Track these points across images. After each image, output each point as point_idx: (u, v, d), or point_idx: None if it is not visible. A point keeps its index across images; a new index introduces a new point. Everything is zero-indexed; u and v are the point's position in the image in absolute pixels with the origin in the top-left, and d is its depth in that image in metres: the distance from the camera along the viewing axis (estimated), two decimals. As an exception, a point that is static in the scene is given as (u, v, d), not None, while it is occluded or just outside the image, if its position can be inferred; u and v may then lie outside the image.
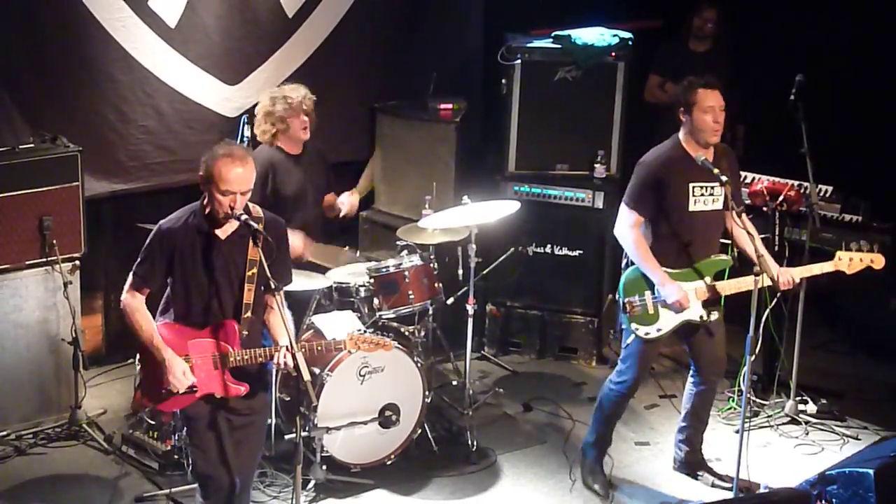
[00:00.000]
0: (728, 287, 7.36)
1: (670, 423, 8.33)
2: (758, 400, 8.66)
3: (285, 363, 6.25)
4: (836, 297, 9.85)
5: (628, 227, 7.34)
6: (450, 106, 9.62)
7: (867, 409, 8.73)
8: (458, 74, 10.07)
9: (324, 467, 7.51)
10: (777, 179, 8.55)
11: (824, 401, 8.66)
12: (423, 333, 8.23)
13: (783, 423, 8.52)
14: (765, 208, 8.42)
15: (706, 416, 7.80)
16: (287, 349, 6.24)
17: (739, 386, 8.43)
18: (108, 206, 8.81)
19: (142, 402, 6.53)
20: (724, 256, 7.43)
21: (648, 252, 7.29)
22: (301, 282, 7.78)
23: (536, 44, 9.37)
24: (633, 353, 7.48)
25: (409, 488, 7.69)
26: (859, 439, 8.35)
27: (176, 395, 6.29)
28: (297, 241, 7.83)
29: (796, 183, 8.48)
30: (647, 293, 7.36)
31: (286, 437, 7.50)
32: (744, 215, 7.21)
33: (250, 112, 8.35)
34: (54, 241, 7.94)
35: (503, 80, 9.39)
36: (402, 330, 8.18)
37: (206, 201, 6.24)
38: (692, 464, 7.85)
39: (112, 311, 8.79)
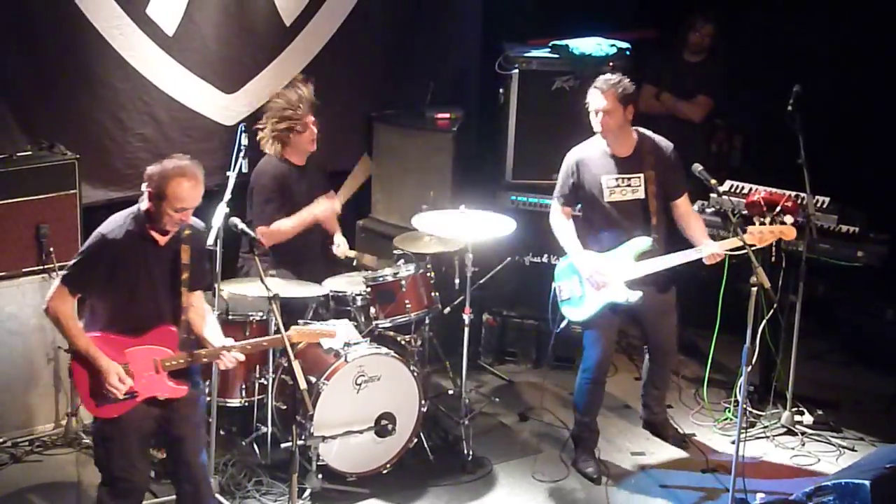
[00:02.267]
0: (655, 265, 7.66)
1: (666, 433, 8.41)
2: (754, 410, 8.65)
3: (233, 360, 6.52)
4: (832, 308, 9.85)
5: (555, 215, 7.92)
6: (447, 115, 9.63)
7: (863, 420, 8.73)
8: (456, 84, 10.08)
9: (320, 476, 7.47)
10: (774, 190, 8.54)
11: (820, 412, 8.66)
12: (419, 342, 8.25)
13: (779, 434, 8.51)
14: (762, 219, 8.41)
15: (662, 386, 8.36)
16: (227, 350, 6.51)
17: (736, 396, 8.44)
18: (105, 214, 8.65)
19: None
20: (643, 237, 7.67)
21: (568, 233, 7.83)
22: (297, 290, 7.80)
23: (534, 53, 9.38)
24: (587, 340, 7.89)
25: (404, 497, 7.68)
26: (855, 450, 8.34)
27: (116, 402, 6.35)
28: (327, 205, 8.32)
29: (793, 193, 8.47)
30: (574, 277, 7.77)
31: (282, 445, 7.51)
32: (685, 200, 7.81)
33: (248, 121, 8.36)
34: (51, 249, 7.95)
35: (500, 90, 9.40)
36: (399, 339, 8.19)
37: (146, 209, 6.35)
38: (655, 423, 8.44)
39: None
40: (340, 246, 8.60)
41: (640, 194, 7.69)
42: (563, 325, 8.01)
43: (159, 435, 6.64)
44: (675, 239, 7.87)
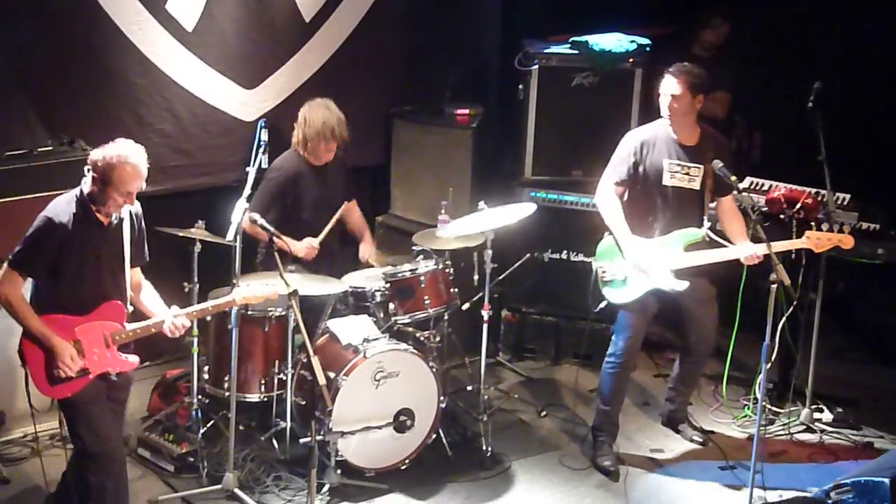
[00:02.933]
0: (698, 258, 7.68)
1: (685, 429, 8.44)
2: (773, 408, 8.65)
3: (179, 327, 6.73)
4: (852, 305, 9.83)
5: (605, 192, 7.88)
6: (466, 111, 9.63)
7: (883, 418, 8.71)
8: (475, 80, 10.07)
9: (338, 471, 7.51)
10: (794, 187, 8.53)
11: (840, 409, 8.65)
12: (438, 339, 8.25)
13: (799, 432, 8.50)
14: (782, 216, 8.40)
15: (691, 384, 8.45)
16: (174, 316, 6.72)
17: (755, 394, 8.43)
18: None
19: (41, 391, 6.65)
20: (695, 229, 7.71)
21: (617, 214, 7.78)
22: (317, 287, 7.81)
23: (554, 49, 9.36)
24: (619, 323, 7.92)
25: (423, 493, 7.69)
26: (875, 448, 8.32)
27: (69, 381, 6.48)
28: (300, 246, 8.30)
29: (814, 191, 8.46)
30: (618, 259, 7.76)
31: (301, 440, 7.49)
32: (730, 198, 7.83)
33: (267, 116, 8.38)
34: (72, 244, 7.95)
35: (520, 86, 9.39)
36: (418, 335, 8.19)
37: (89, 192, 6.47)
38: (675, 420, 8.47)
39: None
40: (366, 256, 8.68)
41: (696, 185, 7.75)
42: (601, 305, 7.97)
43: None
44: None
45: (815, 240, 7.65)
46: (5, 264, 6.50)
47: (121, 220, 6.60)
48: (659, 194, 7.77)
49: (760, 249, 7.42)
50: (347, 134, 8.45)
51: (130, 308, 6.72)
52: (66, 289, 6.51)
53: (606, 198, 7.85)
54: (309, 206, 8.42)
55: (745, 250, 7.55)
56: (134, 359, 6.69)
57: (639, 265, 7.68)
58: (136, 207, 6.70)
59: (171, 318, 6.73)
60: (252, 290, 7.00)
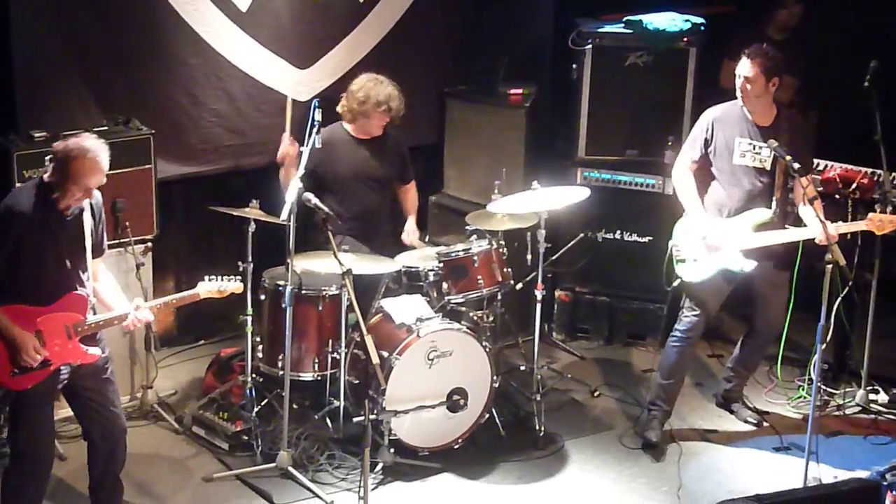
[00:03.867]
0: (768, 237, 7.64)
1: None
2: (828, 389, 8.59)
3: (143, 319, 6.70)
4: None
5: (680, 169, 7.97)
6: (520, 91, 9.60)
7: (939, 400, 8.65)
8: (529, 59, 10.03)
9: (392, 450, 7.54)
10: (850, 167, 8.48)
11: (896, 390, 8.61)
12: (491, 318, 8.24)
13: (854, 413, 8.45)
14: (837, 196, 8.36)
15: (751, 367, 8.43)
16: (136, 308, 6.65)
17: (810, 374, 8.38)
18: (180, 189, 8.87)
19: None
20: (763, 209, 7.68)
21: (690, 189, 7.86)
22: (370, 266, 7.83)
23: (607, 28, 9.31)
24: (689, 301, 7.92)
25: (476, 472, 7.71)
26: (931, 430, 8.28)
27: (31, 372, 6.42)
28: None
29: (869, 170, 8.40)
30: (692, 237, 7.80)
31: (355, 419, 7.53)
32: (806, 180, 7.58)
33: (321, 96, 8.39)
34: (127, 223, 7.99)
35: (574, 65, 9.34)
36: (471, 315, 8.19)
37: (49, 181, 6.36)
38: (729, 399, 8.48)
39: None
40: (409, 234, 8.63)
41: (767, 165, 7.71)
42: (675, 284, 7.96)
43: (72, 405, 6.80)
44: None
45: (878, 222, 7.61)
46: None
47: (81, 210, 6.52)
48: (729, 171, 7.76)
49: (831, 229, 7.35)
50: (397, 108, 8.38)
51: (94, 300, 6.66)
52: (26, 279, 6.42)
53: (680, 174, 7.91)
54: (341, 180, 8.40)
55: (816, 231, 7.46)
56: (95, 350, 6.59)
57: (706, 240, 7.67)
58: (97, 196, 6.60)
59: (133, 311, 6.68)
60: (216, 284, 7.02)
